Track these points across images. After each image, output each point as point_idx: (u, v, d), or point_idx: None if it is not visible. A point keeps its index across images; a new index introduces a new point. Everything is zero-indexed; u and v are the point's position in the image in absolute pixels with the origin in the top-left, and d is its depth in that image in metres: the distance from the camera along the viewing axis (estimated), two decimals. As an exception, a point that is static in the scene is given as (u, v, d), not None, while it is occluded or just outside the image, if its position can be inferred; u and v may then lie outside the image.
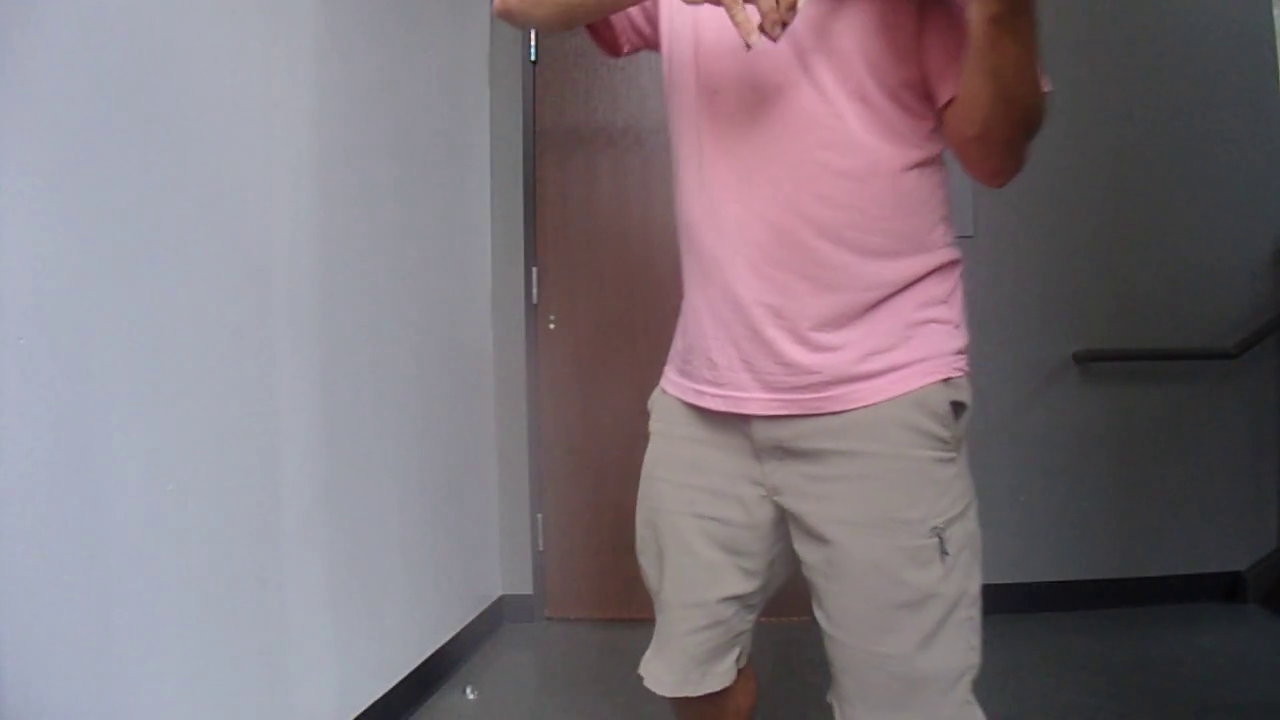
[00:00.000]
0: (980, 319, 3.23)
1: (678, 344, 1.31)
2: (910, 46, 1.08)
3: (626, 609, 3.08)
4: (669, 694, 1.34)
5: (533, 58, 3.15)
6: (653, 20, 1.29)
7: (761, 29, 0.95)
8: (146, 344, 1.40)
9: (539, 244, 3.15)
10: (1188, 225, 3.05)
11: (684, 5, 1.06)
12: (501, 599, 3.08)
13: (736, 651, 1.31)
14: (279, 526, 1.75)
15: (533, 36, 3.14)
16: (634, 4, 1.21)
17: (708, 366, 1.20)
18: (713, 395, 1.20)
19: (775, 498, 1.18)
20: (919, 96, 1.10)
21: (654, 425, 1.37)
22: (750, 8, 0.95)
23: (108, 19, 1.33)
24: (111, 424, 1.32)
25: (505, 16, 1.30)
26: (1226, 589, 2.99)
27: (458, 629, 2.69)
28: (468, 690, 2.46)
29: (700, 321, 1.22)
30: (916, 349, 1.11)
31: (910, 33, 1.07)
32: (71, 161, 1.26)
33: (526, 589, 3.11)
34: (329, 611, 1.94)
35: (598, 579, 3.11)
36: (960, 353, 1.15)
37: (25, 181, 1.18)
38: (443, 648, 2.55)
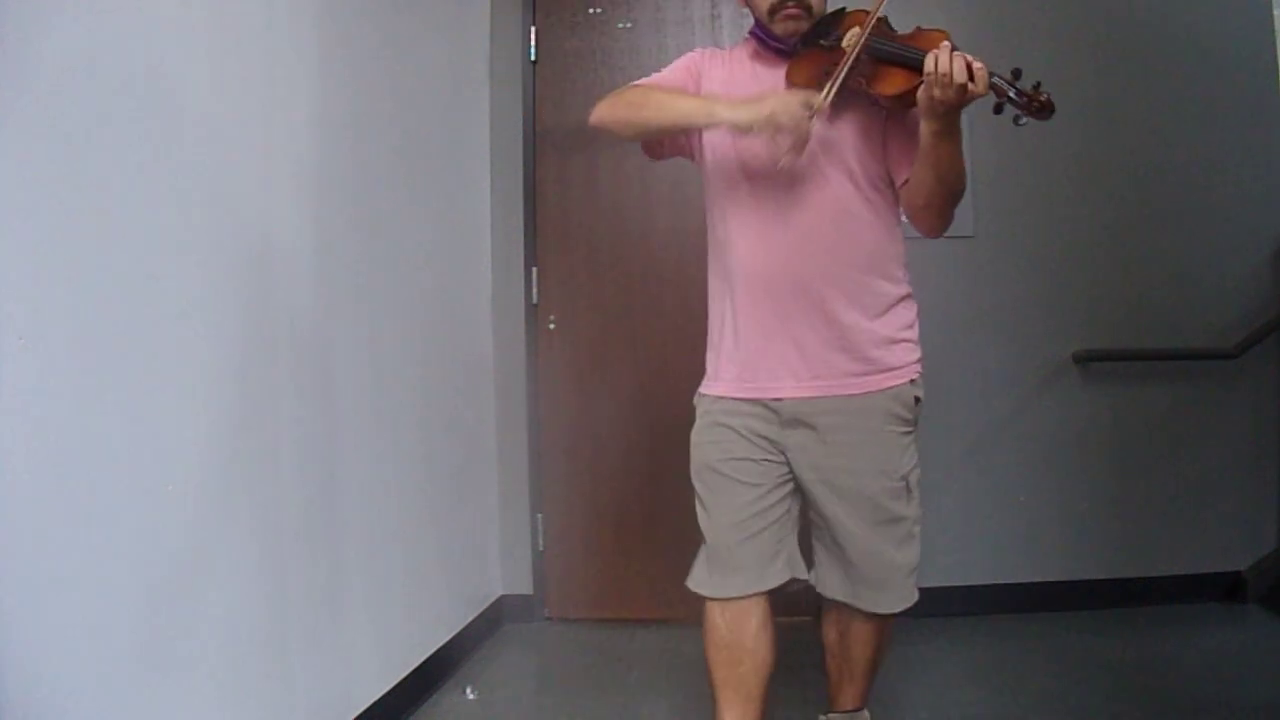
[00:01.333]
0: (980, 319, 3.24)
1: (730, 356, 1.77)
2: (880, 147, 1.69)
3: (626, 609, 3.09)
4: (738, 594, 1.74)
5: (533, 58, 3.15)
6: (698, 142, 1.80)
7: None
8: (146, 344, 1.40)
9: (539, 244, 3.15)
10: (1188, 225, 3.05)
11: (741, 140, 1.68)
12: (501, 599, 3.08)
13: (784, 556, 1.75)
14: (279, 526, 1.75)
15: (533, 36, 3.15)
16: (707, 128, 1.72)
17: (753, 373, 1.74)
18: (750, 388, 1.74)
19: (792, 449, 1.72)
20: (887, 181, 1.71)
21: (702, 409, 1.81)
22: (780, 137, 1.56)
23: (108, 18, 1.33)
24: (111, 424, 1.32)
25: (599, 130, 1.78)
26: (1226, 589, 2.99)
27: (458, 629, 2.69)
28: (468, 690, 2.46)
29: (753, 342, 1.74)
30: (896, 359, 1.72)
31: (880, 139, 1.69)
32: (71, 161, 1.26)
33: (526, 589, 3.11)
34: (329, 611, 1.94)
35: (598, 579, 3.11)
36: (919, 361, 1.76)
37: (25, 181, 1.18)
38: (443, 648, 2.55)
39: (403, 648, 2.33)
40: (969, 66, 1.45)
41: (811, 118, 1.55)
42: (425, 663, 2.43)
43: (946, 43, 1.48)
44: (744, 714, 1.76)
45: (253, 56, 1.72)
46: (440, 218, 2.71)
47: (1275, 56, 3.05)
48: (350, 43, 2.12)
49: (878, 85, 1.59)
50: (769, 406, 1.72)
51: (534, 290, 3.14)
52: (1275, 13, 3.08)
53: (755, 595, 1.74)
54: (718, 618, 1.77)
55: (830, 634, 1.82)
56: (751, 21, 1.80)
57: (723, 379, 1.77)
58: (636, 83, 1.80)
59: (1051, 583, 2.99)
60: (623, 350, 3.12)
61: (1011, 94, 1.49)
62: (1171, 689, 2.32)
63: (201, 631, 1.51)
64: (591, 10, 3.15)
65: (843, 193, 1.68)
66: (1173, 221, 3.05)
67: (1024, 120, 1.51)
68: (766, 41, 1.75)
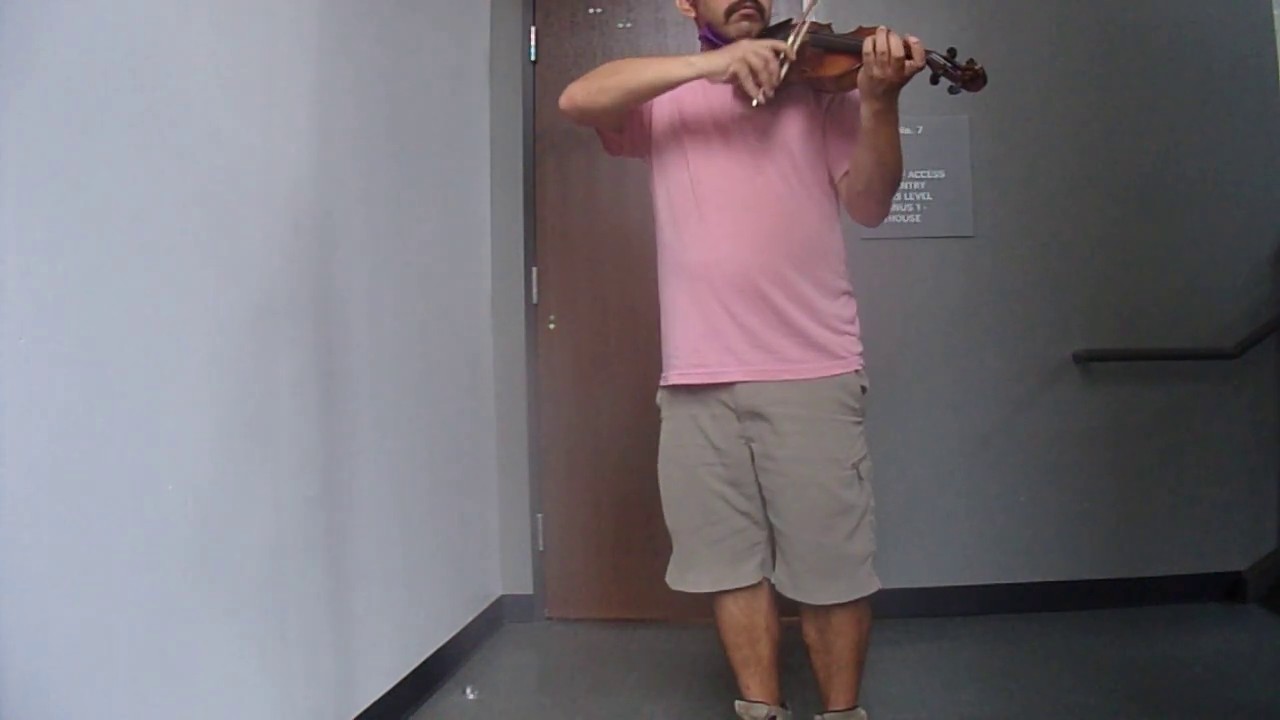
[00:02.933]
0: (980, 319, 3.24)
1: (679, 345, 1.83)
2: (820, 144, 1.77)
3: (626, 609, 3.09)
4: (710, 589, 1.84)
5: (533, 58, 3.15)
6: (645, 130, 1.86)
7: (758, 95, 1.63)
8: (146, 344, 1.40)
9: (539, 244, 3.15)
10: (1188, 225, 3.05)
11: (678, 118, 1.80)
12: (501, 599, 3.08)
13: (758, 558, 1.84)
14: (279, 526, 1.75)
15: (533, 36, 3.15)
16: (676, 87, 1.73)
17: (702, 358, 1.79)
18: (700, 372, 1.79)
19: (750, 443, 1.79)
20: (827, 177, 1.79)
21: (666, 414, 1.89)
22: (750, 80, 1.62)
23: (108, 18, 1.33)
24: (111, 424, 1.32)
25: (570, 110, 1.78)
26: (1226, 589, 2.99)
27: (458, 629, 2.69)
28: (468, 690, 2.46)
29: (699, 328, 1.78)
30: (840, 348, 1.78)
31: (820, 136, 1.77)
32: (72, 161, 1.26)
33: (526, 589, 3.11)
34: (329, 611, 1.94)
35: (598, 579, 3.11)
36: (862, 355, 1.82)
37: (25, 181, 1.18)
38: (443, 648, 2.55)
39: (403, 648, 2.33)
40: (906, 43, 1.53)
41: (781, 60, 1.63)
42: (425, 663, 2.43)
43: (884, 27, 1.55)
44: (766, 684, 1.87)
45: (253, 56, 1.72)
46: (440, 218, 2.71)
47: (1275, 56, 3.06)
48: (350, 43, 2.12)
49: (820, 69, 1.67)
50: (725, 402, 1.79)
51: (534, 290, 3.14)
52: (1275, 13, 3.08)
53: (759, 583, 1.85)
54: (731, 606, 1.86)
55: (810, 632, 1.84)
56: (695, 31, 1.89)
57: (675, 368, 1.83)
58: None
59: (1051, 583, 2.99)
60: (623, 350, 3.12)
61: (947, 66, 1.58)
62: (1171, 689, 2.32)
63: (201, 631, 1.51)
64: (591, 10, 3.15)
65: (785, 186, 1.75)
66: (1173, 221, 3.06)
67: (958, 90, 1.61)
68: (717, 45, 1.77)
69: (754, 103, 1.64)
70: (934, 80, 1.60)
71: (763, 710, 1.86)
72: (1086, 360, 3.01)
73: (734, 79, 1.64)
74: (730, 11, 1.74)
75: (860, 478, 1.75)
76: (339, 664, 1.98)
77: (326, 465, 1.95)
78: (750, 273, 1.73)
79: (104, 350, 1.31)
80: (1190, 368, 3.03)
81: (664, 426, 1.89)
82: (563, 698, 2.45)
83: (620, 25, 3.14)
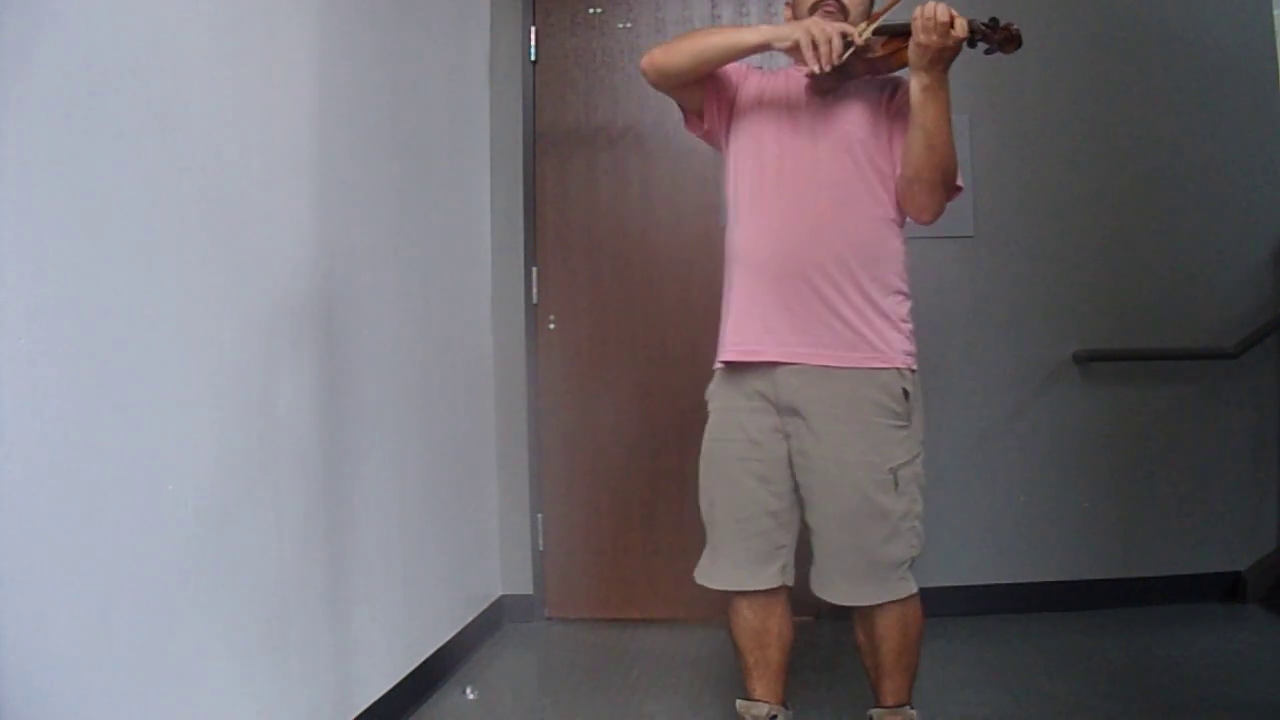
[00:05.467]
0: (980, 319, 3.24)
1: (726, 329, 1.87)
2: (885, 137, 1.79)
3: (626, 609, 3.09)
4: (730, 588, 1.86)
5: (533, 58, 3.15)
6: (726, 111, 1.90)
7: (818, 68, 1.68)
8: (146, 344, 1.40)
9: (539, 244, 3.15)
10: (1188, 225, 3.05)
11: (757, 102, 1.85)
12: (501, 599, 3.08)
13: (780, 563, 1.84)
14: (279, 526, 1.75)
15: (533, 36, 3.15)
16: (746, 54, 1.78)
17: (743, 337, 1.82)
18: (739, 350, 1.83)
19: (787, 439, 1.80)
20: (888, 172, 1.79)
21: (712, 406, 1.91)
22: (812, 53, 1.66)
23: (107, 18, 1.33)
24: (111, 424, 1.32)
25: (649, 70, 1.84)
26: (1226, 589, 2.99)
27: (458, 629, 2.69)
28: (468, 690, 2.46)
29: (745, 310, 1.82)
30: (885, 342, 1.77)
31: (885, 129, 1.79)
32: (72, 162, 1.26)
33: (526, 589, 3.11)
34: (329, 611, 1.94)
35: (598, 579, 3.11)
36: (911, 355, 1.80)
37: (25, 182, 1.18)
38: (443, 648, 2.55)
39: (403, 648, 2.33)
40: (951, 15, 1.60)
41: (846, 41, 1.67)
42: (425, 663, 2.43)
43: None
44: (771, 687, 1.89)
45: (253, 56, 1.71)
46: (440, 217, 2.71)
47: (1275, 56, 3.05)
48: (350, 43, 2.12)
49: (878, 52, 1.72)
50: (764, 394, 1.80)
51: (534, 290, 3.14)
52: (1275, 13, 3.08)
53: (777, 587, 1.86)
54: (745, 608, 1.87)
55: (859, 633, 1.87)
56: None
57: (720, 351, 1.87)
58: None
59: (1051, 583, 2.99)
60: (623, 350, 3.12)
61: (986, 30, 1.64)
62: (1171, 689, 2.32)
63: (201, 631, 1.51)
64: (591, 10, 3.15)
65: (841, 176, 1.77)
66: (1173, 221, 3.05)
67: (994, 50, 1.66)
68: None
69: (812, 71, 1.68)
70: (971, 44, 1.63)
71: (764, 709, 1.87)
72: (1086, 360, 3.01)
73: (795, 47, 1.68)
74: (813, 9, 1.78)
75: (897, 483, 1.73)
76: (339, 664, 1.98)
77: (327, 464, 1.95)
78: (799, 258, 1.75)
79: (104, 350, 1.31)
80: (1190, 368, 3.03)
81: (712, 418, 1.90)
82: (563, 698, 2.45)
83: (620, 25, 3.14)
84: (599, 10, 3.14)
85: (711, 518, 1.88)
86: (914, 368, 1.81)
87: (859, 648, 1.87)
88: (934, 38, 1.58)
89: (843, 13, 1.77)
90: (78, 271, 1.27)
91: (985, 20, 1.64)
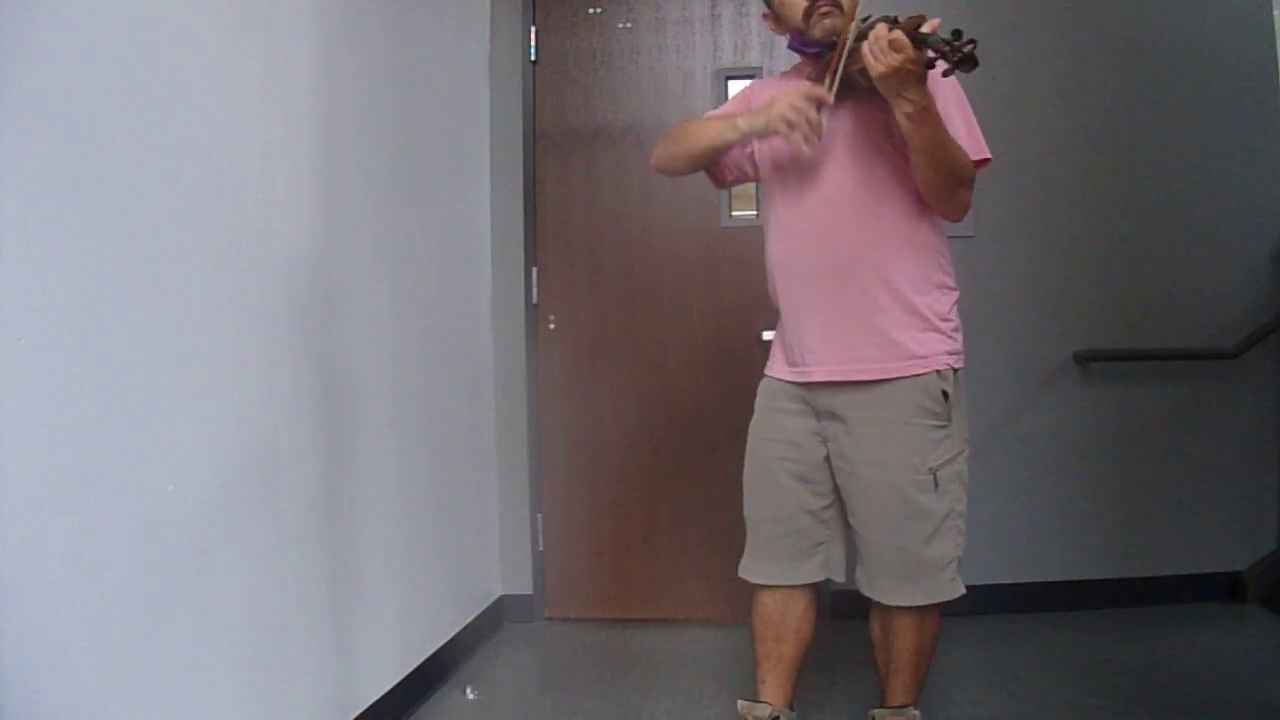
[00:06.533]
0: (980, 319, 3.24)
1: (776, 342, 1.92)
2: (898, 136, 1.67)
3: (626, 609, 3.09)
4: (768, 582, 1.88)
5: (533, 58, 3.15)
6: (752, 162, 1.94)
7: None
8: (146, 344, 1.40)
9: (539, 244, 3.15)
10: (1188, 225, 3.05)
11: (768, 145, 1.85)
12: (501, 599, 3.08)
13: (820, 558, 1.87)
14: (279, 527, 1.75)
15: (533, 36, 3.15)
16: (729, 148, 1.86)
17: (790, 356, 1.85)
18: (792, 371, 1.85)
19: (826, 443, 1.82)
20: (906, 170, 1.72)
21: (758, 403, 1.93)
22: (793, 133, 1.66)
23: (107, 18, 1.33)
24: (111, 424, 1.32)
25: (659, 172, 1.99)
26: (1226, 589, 2.99)
27: (458, 629, 2.69)
28: (468, 690, 2.46)
29: (789, 327, 1.85)
30: (922, 347, 1.76)
31: (896, 129, 1.65)
32: (71, 161, 1.26)
33: (526, 589, 3.11)
34: (329, 611, 1.94)
35: (598, 579, 3.11)
36: (954, 354, 1.79)
37: (25, 181, 1.18)
38: (443, 648, 2.55)
39: (403, 648, 2.33)
40: (893, 37, 1.50)
41: (819, 107, 1.66)
42: (425, 663, 2.43)
43: (884, 24, 1.53)
44: (781, 686, 1.89)
45: (253, 57, 1.71)
46: (440, 217, 2.71)
47: (1275, 57, 3.05)
48: (350, 43, 2.12)
49: (857, 65, 1.62)
50: (804, 399, 1.83)
51: (534, 290, 3.14)
52: (1275, 13, 3.08)
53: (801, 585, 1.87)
54: (768, 599, 1.89)
55: (874, 628, 1.87)
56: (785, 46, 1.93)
57: (774, 360, 1.92)
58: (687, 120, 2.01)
59: (1051, 583, 2.99)
60: (623, 350, 3.12)
61: (944, 49, 1.49)
62: (1171, 689, 2.32)
63: (202, 631, 1.51)
64: (591, 10, 3.15)
65: (860, 182, 1.75)
66: (1173, 221, 3.05)
67: (952, 73, 1.51)
68: (806, 51, 1.83)
69: (804, 151, 1.68)
70: (929, 64, 1.52)
71: (765, 710, 1.86)
72: (1086, 360, 3.01)
73: (776, 135, 1.71)
74: (808, 14, 1.74)
75: (937, 483, 1.72)
76: (339, 664, 1.98)
77: (327, 465, 1.95)
78: (829, 272, 1.76)
79: (104, 350, 1.31)
80: (1190, 368, 3.03)
81: (757, 415, 1.93)
82: (563, 698, 2.45)
83: (620, 25, 3.14)
84: (599, 10, 3.14)
85: (751, 513, 1.91)
86: (956, 366, 1.78)
87: (872, 643, 1.88)
88: (889, 60, 1.50)
89: (840, 10, 1.72)
90: (78, 271, 1.27)
91: (947, 35, 1.49)
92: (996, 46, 3.05)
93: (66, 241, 1.25)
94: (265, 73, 1.75)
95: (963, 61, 1.47)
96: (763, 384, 1.94)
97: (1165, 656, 2.55)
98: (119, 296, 1.34)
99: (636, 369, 3.10)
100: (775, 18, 1.85)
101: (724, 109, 2.01)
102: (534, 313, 3.14)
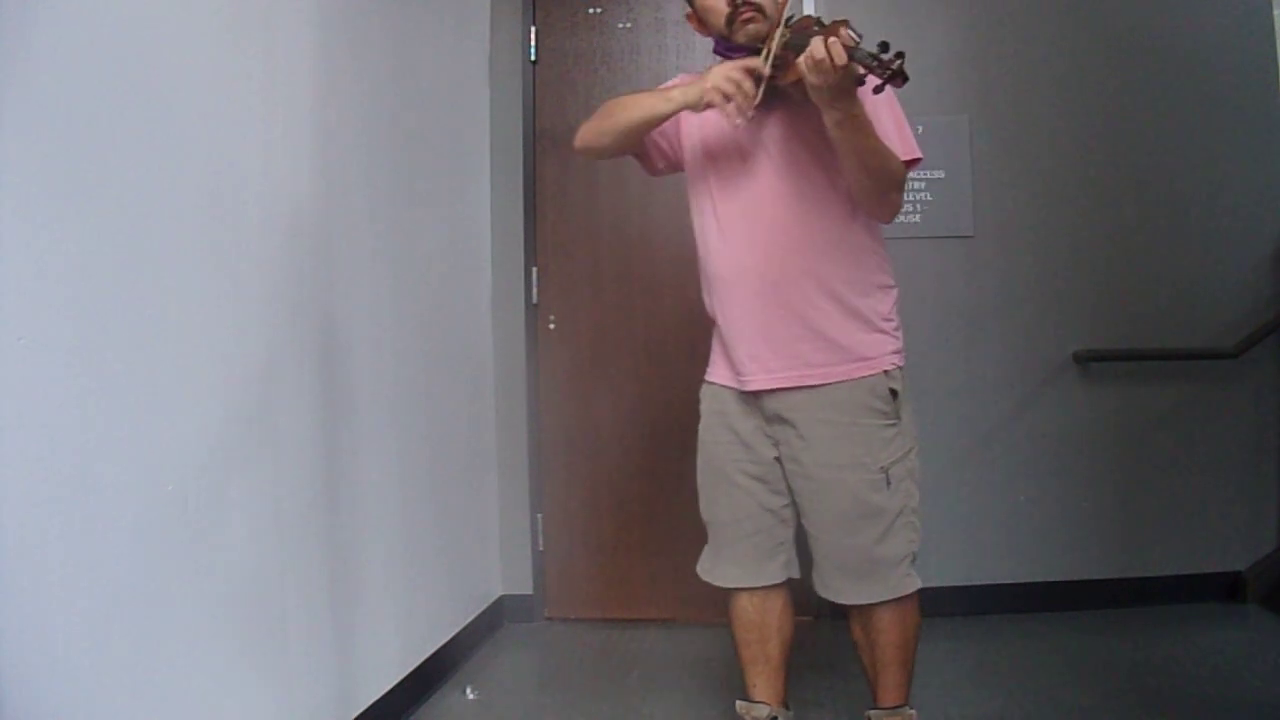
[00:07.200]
0: (980, 319, 3.24)
1: (719, 347, 1.88)
2: (831, 155, 1.67)
3: (626, 609, 3.09)
4: (736, 585, 1.87)
5: (533, 58, 3.15)
6: (676, 151, 1.90)
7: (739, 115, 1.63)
8: (146, 344, 1.40)
9: (539, 244, 3.15)
10: (1188, 225, 3.05)
11: (699, 137, 1.83)
12: (501, 599, 3.08)
13: (783, 558, 1.87)
14: (279, 526, 1.75)
15: (533, 36, 3.15)
16: (662, 121, 1.78)
17: (741, 364, 1.80)
18: (738, 380, 1.83)
19: (777, 445, 1.81)
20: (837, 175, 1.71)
21: (704, 407, 1.92)
22: (728, 104, 1.61)
23: (108, 18, 1.33)
24: (111, 424, 1.32)
25: (581, 152, 1.90)
26: (1226, 589, 2.99)
27: (458, 629, 2.69)
28: (468, 690, 2.46)
29: (731, 335, 1.81)
30: (867, 349, 1.76)
31: (831, 148, 1.64)
32: (72, 161, 1.26)
33: (526, 589, 3.11)
34: (329, 611, 1.94)
35: (598, 579, 3.11)
36: (897, 353, 1.79)
37: (25, 181, 1.18)
38: (443, 648, 2.55)
39: (403, 648, 2.33)
40: (828, 46, 1.43)
41: (755, 79, 1.61)
42: (425, 663, 2.43)
43: (819, 37, 1.47)
44: (771, 683, 1.89)
45: (253, 57, 1.72)
46: (441, 217, 2.71)
47: (1275, 57, 3.05)
48: (351, 43, 2.12)
49: (786, 77, 1.60)
50: (754, 405, 1.81)
51: (534, 290, 3.14)
52: (1275, 13, 3.08)
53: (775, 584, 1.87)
54: (745, 602, 1.88)
55: (855, 630, 1.86)
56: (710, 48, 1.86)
57: (716, 366, 1.89)
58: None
59: (1051, 583, 2.99)
60: (623, 350, 3.12)
61: (873, 64, 1.42)
62: (1171, 689, 2.32)
63: (201, 631, 1.51)
64: (591, 10, 3.15)
65: (790, 187, 1.74)
66: (1173, 221, 3.05)
67: (882, 89, 1.44)
68: (730, 57, 1.76)
69: (736, 123, 1.64)
70: (859, 80, 1.47)
71: (764, 710, 1.87)
72: (1086, 360, 3.01)
73: (710, 107, 1.65)
74: (731, 21, 1.72)
75: (889, 481, 1.73)
76: (339, 664, 1.98)
77: (327, 465, 1.95)
78: (768, 279, 1.74)
79: (104, 350, 1.31)
80: (1190, 368, 3.03)
81: (704, 420, 1.91)
82: (563, 698, 2.45)
83: (620, 25, 3.14)
84: (599, 10, 3.15)
85: (711, 517, 1.90)
86: (901, 365, 1.79)
87: (856, 645, 1.87)
88: (820, 78, 1.46)
89: (762, 15, 1.70)
90: (78, 271, 1.27)
91: (873, 48, 1.43)
92: (996, 47, 3.06)
93: (66, 241, 1.25)
94: (265, 72, 1.76)
95: (893, 77, 1.43)
96: (705, 389, 1.92)
97: (1165, 656, 2.55)
98: (119, 296, 1.34)
99: (636, 369, 3.10)
100: (698, 19, 1.82)
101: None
102: (534, 313, 3.14)
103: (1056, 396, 3.03)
